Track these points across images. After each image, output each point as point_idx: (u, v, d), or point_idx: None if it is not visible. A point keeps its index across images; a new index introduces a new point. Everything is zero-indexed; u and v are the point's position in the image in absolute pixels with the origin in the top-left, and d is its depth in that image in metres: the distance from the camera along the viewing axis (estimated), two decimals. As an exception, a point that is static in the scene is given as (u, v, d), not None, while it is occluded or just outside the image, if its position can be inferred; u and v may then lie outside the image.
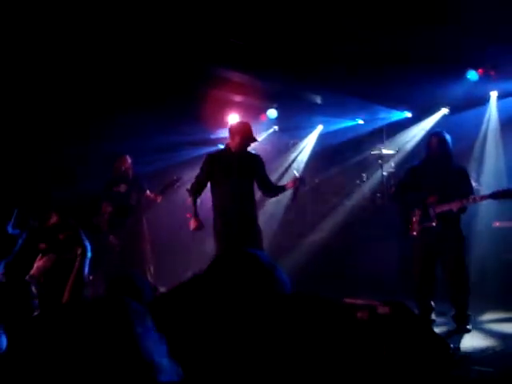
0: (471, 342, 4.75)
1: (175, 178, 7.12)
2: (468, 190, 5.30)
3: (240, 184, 5.49)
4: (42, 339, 1.21)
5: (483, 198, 5.22)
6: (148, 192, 7.15)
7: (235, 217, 5.44)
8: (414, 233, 5.36)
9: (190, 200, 5.71)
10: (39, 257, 3.36)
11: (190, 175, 7.27)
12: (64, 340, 1.21)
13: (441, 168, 5.36)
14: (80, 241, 2.98)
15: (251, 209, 5.58)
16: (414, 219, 5.37)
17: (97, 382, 1.16)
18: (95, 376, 1.16)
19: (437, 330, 4.31)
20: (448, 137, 5.43)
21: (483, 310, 5.71)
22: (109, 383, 1.16)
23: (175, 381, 1.24)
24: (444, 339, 3.78)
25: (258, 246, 5.23)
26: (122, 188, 7.17)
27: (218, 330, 1.50)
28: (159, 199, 7.06)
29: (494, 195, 5.06)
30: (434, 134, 5.58)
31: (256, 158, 5.70)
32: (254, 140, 5.57)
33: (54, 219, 7.06)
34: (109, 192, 7.20)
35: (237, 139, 5.50)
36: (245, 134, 5.50)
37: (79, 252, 2.94)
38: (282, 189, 5.82)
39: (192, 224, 5.62)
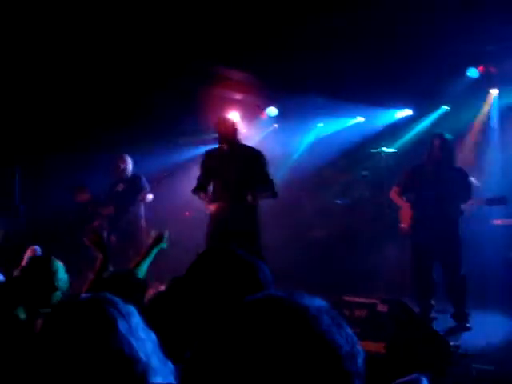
0: (471, 339, 4.75)
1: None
2: (467, 194, 5.33)
3: (231, 183, 5.08)
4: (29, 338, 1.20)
5: (479, 203, 5.28)
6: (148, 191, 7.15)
7: (226, 219, 5.05)
8: (410, 231, 5.47)
9: (199, 199, 5.42)
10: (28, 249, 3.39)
11: (189, 174, 7.27)
12: (48, 340, 1.19)
13: (441, 170, 5.38)
14: (104, 248, 3.00)
15: (246, 211, 5.05)
16: (411, 219, 5.44)
17: (80, 382, 1.14)
18: (77, 375, 1.15)
19: (437, 328, 4.29)
20: (450, 138, 5.44)
21: (483, 308, 5.70)
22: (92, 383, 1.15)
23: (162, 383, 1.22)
24: (444, 337, 3.78)
25: (252, 251, 4.97)
26: (120, 187, 7.15)
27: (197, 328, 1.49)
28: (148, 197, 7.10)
29: (490, 202, 5.14)
30: (435, 136, 5.58)
31: (252, 155, 5.24)
32: (231, 137, 5.13)
33: (85, 196, 7.30)
34: (110, 193, 7.21)
35: (218, 136, 5.26)
36: (218, 130, 5.19)
37: (100, 258, 2.96)
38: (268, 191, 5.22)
39: (210, 207, 5.15)
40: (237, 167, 5.14)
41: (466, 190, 5.34)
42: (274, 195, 5.25)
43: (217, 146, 5.38)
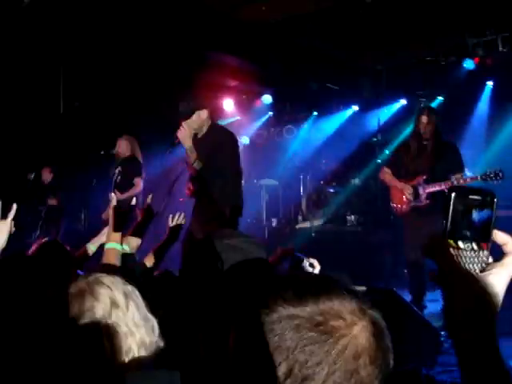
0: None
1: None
2: (458, 168, 5.09)
3: (196, 178, 4.31)
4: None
5: (473, 179, 4.99)
6: (140, 179, 6.49)
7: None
8: (403, 211, 5.21)
9: None
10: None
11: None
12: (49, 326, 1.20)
13: (430, 144, 5.13)
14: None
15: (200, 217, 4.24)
16: (404, 198, 5.19)
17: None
18: (87, 356, 1.15)
19: (427, 317, 4.31)
20: (437, 112, 5.28)
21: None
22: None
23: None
24: (434, 326, 3.80)
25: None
26: (117, 170, 6.62)
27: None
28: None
29: (485, 176, 4.88)
30: (422, 109, 5.35)
31: (216, 142, 4.21)
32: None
33: (47, 174, 7.52)
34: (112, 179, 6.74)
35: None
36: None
37: (146, 209, 2.98)
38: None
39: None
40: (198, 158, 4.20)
41: (457, 164, 5.12)
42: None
43: None
